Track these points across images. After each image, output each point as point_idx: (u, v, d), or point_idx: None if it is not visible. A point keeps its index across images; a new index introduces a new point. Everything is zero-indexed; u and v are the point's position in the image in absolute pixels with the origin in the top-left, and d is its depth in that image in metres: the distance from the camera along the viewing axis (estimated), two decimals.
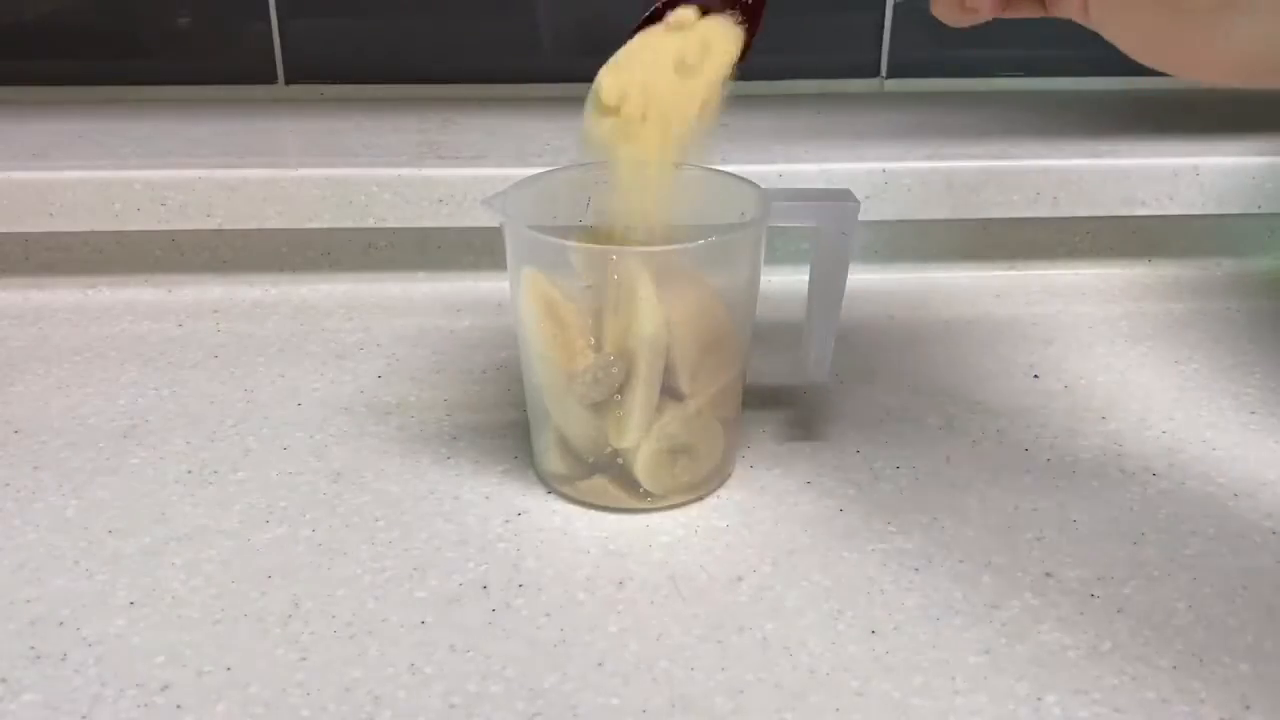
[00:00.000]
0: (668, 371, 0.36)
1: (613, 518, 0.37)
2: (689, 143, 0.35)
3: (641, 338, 0.35)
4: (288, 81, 0.63)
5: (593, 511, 0.37)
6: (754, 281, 0.37)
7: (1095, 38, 0.30)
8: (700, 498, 0.38)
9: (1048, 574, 0.35)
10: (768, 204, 0.36)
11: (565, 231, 0.37)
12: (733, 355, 0.37)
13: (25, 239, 0.53)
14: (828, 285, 0.38)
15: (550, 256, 0.36)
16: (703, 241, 0.35)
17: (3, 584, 0.34)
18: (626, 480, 0.37)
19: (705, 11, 0.35)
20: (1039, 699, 0.30)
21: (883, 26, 0.64)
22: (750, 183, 0.37)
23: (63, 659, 0.31)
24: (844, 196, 0.37)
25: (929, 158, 0.53)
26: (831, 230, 0.37)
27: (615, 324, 0.35)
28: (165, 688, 0.30)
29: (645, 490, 0.37)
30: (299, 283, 0.54)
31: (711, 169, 0.39)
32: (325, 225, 0.52)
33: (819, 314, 0.39)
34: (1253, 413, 0.44)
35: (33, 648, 0.31)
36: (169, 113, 0.60)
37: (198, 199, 0.52)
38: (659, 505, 0.37)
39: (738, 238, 0.36)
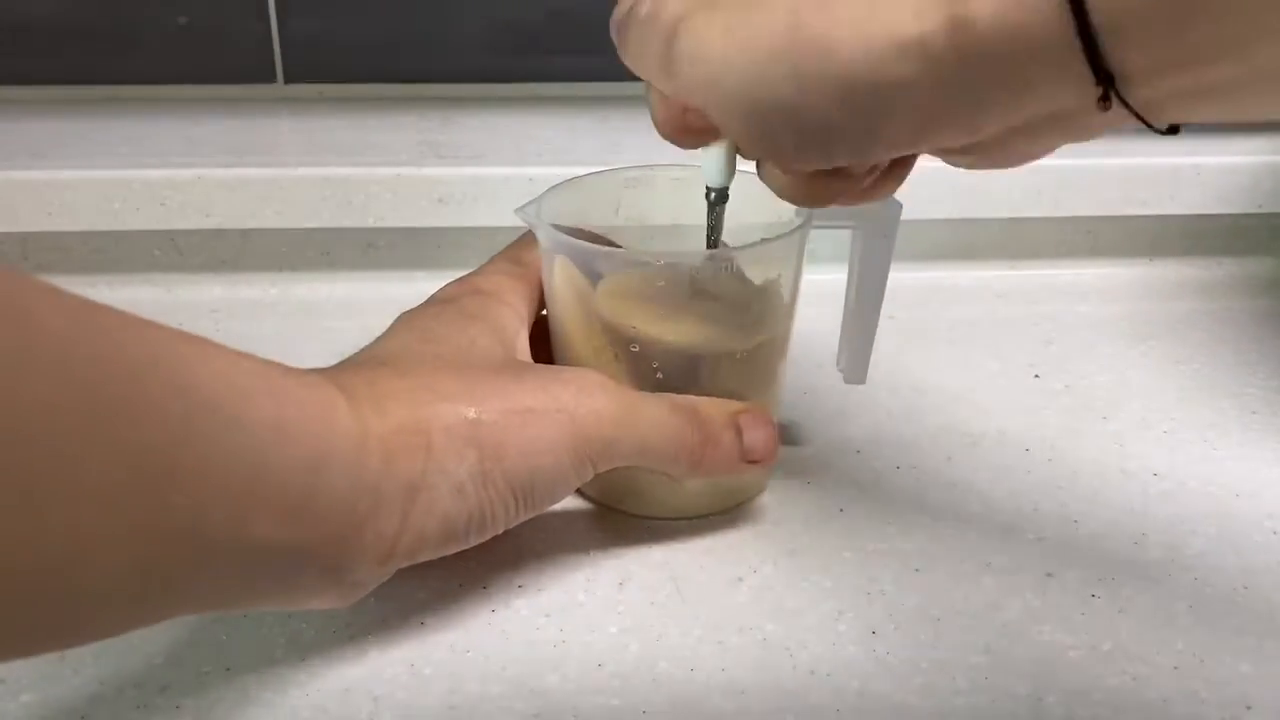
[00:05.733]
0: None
1: (613, 517, 0.37)
2: None
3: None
4: (287, 81, 0.63)
5: (593, 511, 0.37)
6: (796, 285, 0.37)
7: None
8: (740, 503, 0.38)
9: (1049, 574, 0.35)
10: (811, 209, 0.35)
11: (600, 237, 0.37)
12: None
13: (24, 239, 0.53)
14: (868, 288, 0.37)
15: (588, 264, 0.35)
16: (756, 244, 0.34)
17: None
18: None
19: None
20: (1040, 699, 0.30)
21: None
22: None
23: (61, 659, 0.31)
24: (887, 199, 0.37)
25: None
26: (873, 233, 0.37)
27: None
28: (164, 688, 0.30)
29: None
30: (298, 282, 0.54)
31: (747, 171, 0.38)
32: (324, 225, 0.52)
33: (858, 317, 0.38)
34: (1254, 413, 0.44)
35: None
36: (168, 112, 0.60)
37: (197, 198, 0.52)
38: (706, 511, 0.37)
39: (786, 241, 0.35)
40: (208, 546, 0.23)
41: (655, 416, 0.33)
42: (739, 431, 0.34)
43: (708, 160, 0.32)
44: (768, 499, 0.38)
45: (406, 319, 0.35)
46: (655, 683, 0.30)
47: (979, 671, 0.31)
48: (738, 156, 0.31)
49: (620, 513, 0.37)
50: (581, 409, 0.31)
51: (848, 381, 0.40)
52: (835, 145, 0.26)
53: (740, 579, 0.34)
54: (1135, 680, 0.30)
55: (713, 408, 0.34)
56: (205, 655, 0.31)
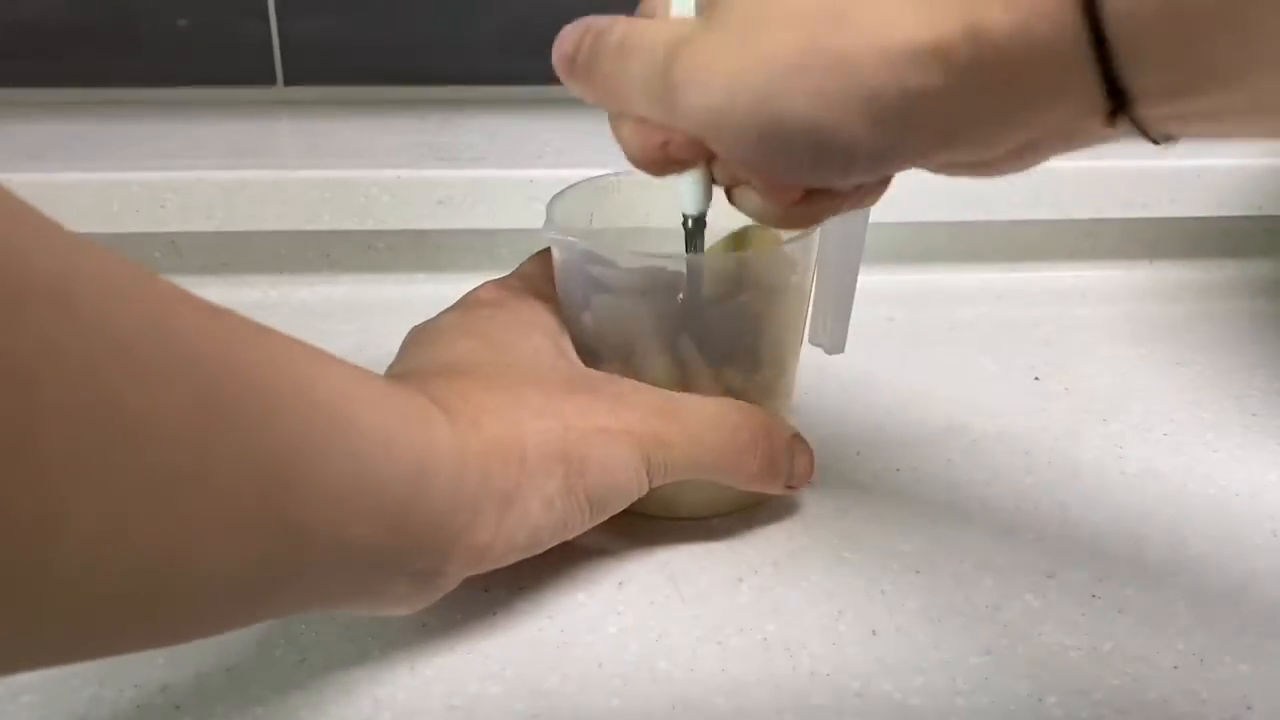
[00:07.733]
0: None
1: (614, 517, 0.37)
2: None
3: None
4: (287, 83, 0.63)
5: None
6: (810, 287, 0.37)
7: None
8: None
9: (1049, 575, 0.35)
10: None
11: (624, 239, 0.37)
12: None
13: None
14: (846, 253, 0.37)
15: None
16: (792, 241, 0.35)
17: None
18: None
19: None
20: (1040, 700, 0.30)
21: None
22: None
23: None
24: None
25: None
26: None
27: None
28: (164, 688, 0.30)
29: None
30: (298, 284, 0.54)
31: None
32: (325, 227, 0.52)
33: (838, 283, 0.38)
34: (1254, 414, 0.44)
35: None
36: (168, 114, 0.60)
37: (197, 201, 0.52)
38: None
39: (803, 243, 0.35)
40: (311, 550, 0.23)
41: (718, 446, 0.34)
42: (792, 463, 0.36)
43: (686, 188, 0.32)
44: (768, 500, 0.38)
45: (459, 323, 0.35)
46: (655, 683, 0.30)
47: (979, 672, 0.31)
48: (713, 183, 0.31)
49: (621, 512, 0.37)
50: (648, 434, 0.32)
51: (829, 352, 0.40)
52: (855, 160, 0.25)
53: (740, 579, 0.34)
54: (1135, 680, 0.30)
55: (774, 438, 0.35)
56: (205, 655, 0.31)
